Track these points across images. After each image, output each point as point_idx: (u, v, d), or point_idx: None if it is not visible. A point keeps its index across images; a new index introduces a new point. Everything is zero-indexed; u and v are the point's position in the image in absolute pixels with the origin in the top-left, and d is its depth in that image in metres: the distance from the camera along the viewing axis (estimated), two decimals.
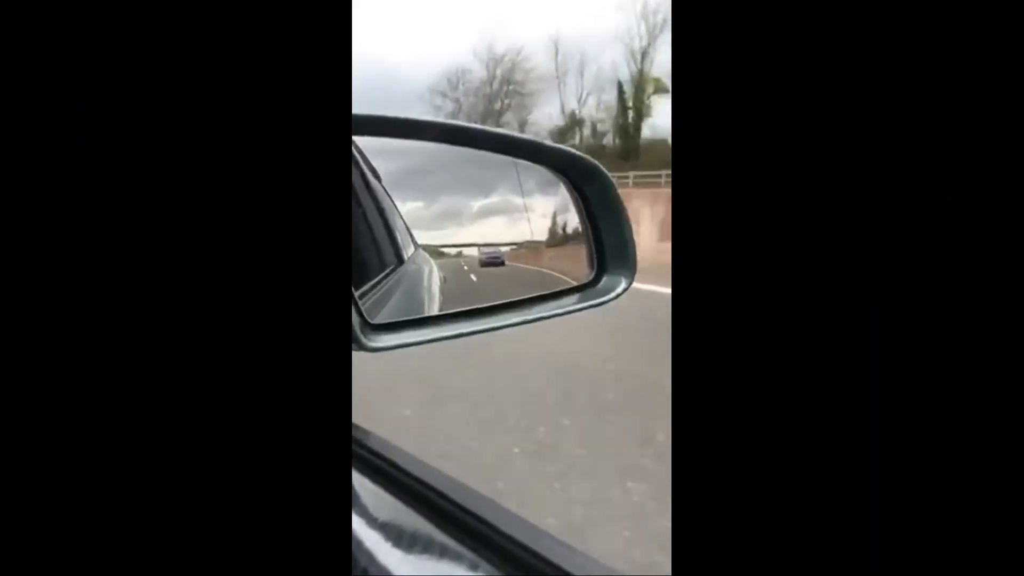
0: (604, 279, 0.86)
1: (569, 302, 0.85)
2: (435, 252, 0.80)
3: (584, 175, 0.82)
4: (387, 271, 0.77)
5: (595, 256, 0.85)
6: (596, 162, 0.83)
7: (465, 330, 0.70)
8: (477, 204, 0.82)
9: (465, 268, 0.81)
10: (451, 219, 0.80)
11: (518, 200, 0.84)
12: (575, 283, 0.87)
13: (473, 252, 0.82)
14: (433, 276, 0.79)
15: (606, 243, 0.84)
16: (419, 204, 0.79)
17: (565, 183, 0.84)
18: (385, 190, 0.77)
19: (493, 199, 0.84)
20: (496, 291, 0.81)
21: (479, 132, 0.79)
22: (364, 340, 0.52)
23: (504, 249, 0.84)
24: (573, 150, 0.83)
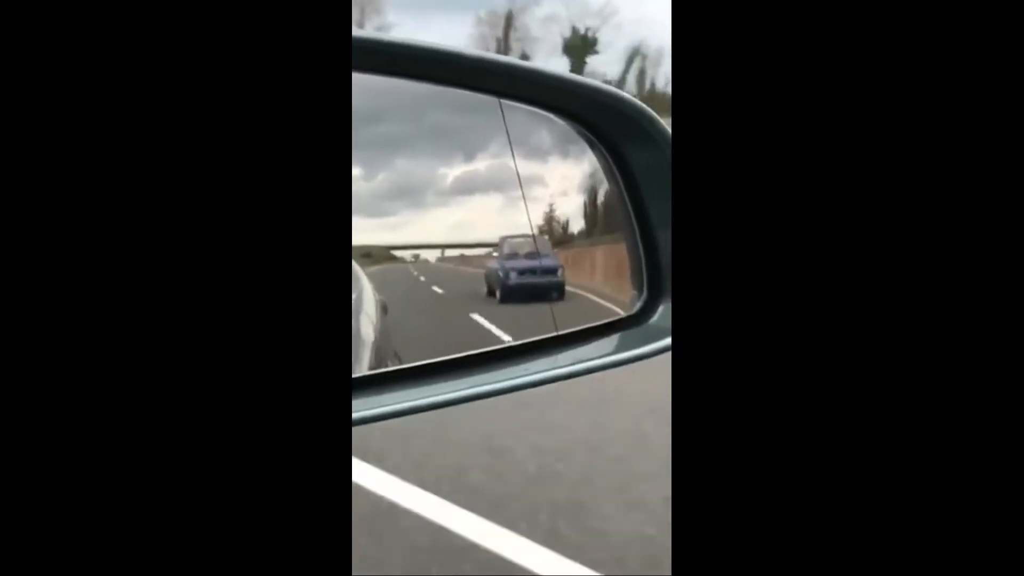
0: (661, 310, 0.51)
1: (602, 349, 0.53)
2: (382, 256, 0.50)
3: (628, 132, 0.50)
4: None
5: (646, 273, 0.51)
6: (650, 112, 0.50)
7: (424, 400, 0.46)
8: (452, 173, 0.51)
9: (422, 280, 0.50)
10: (408, 198, 0.49)
11: (520, 165, 0.51)
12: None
13: (430, 256, 0.48)
14: (364, 302, 0.49)
15: (662, 251, 0.49)
16: (356, 172, 0.47)
17: (594, 146, 0.51)
18: None
19: (479, 164, 0.52)
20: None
21: (444, 56, 0.45)
22: None
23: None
24: (611, 87, 0.49)
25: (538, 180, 0.51)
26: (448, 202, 0.47)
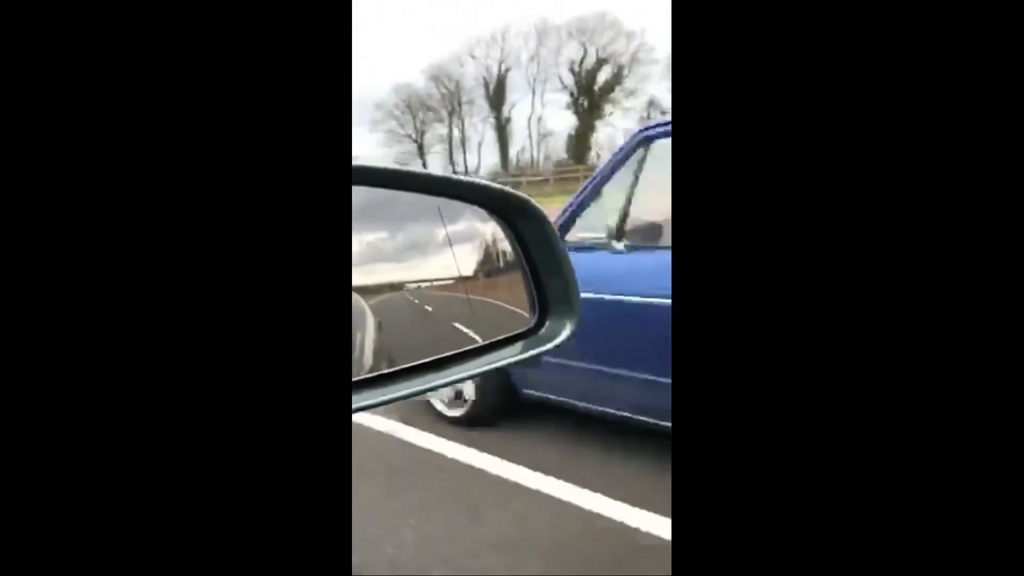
0: (547, 324, 0.79)
1: (512, 352, 0.78)
2: (396, 287, 0.72)
3: (514, 212, 0.77)
4: None
5: (537, 301, 0.77)
6: (525, 196, 0.77)
7: (405, 391, 0.64)
8: (443, 232, 0.75)
9: (417, 303, 0.72)
10: (417, 250, 0.73)
11: (481, 226, 0.77)
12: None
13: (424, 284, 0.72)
14: (366, 325, 0.69)
15: (547, 285, 0.76)
16: (383, 235, 0.71)
17: (499, 221, 0.76)
18: None
19: (460, 225, 0.76)
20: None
21: (388, 173, 0.71)
22: None
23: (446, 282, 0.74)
24: (499, 185, 0.75)
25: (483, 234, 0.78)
26: (440, 252, 0.72)
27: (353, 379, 0.61)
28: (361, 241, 0.64)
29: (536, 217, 0.75)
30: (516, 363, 0.77)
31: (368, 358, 0.70)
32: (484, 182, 0.73)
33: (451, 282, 0.74)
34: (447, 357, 0.72)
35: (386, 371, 0.69)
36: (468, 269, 0.75)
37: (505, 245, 0.77)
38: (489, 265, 0.78)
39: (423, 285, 0.71)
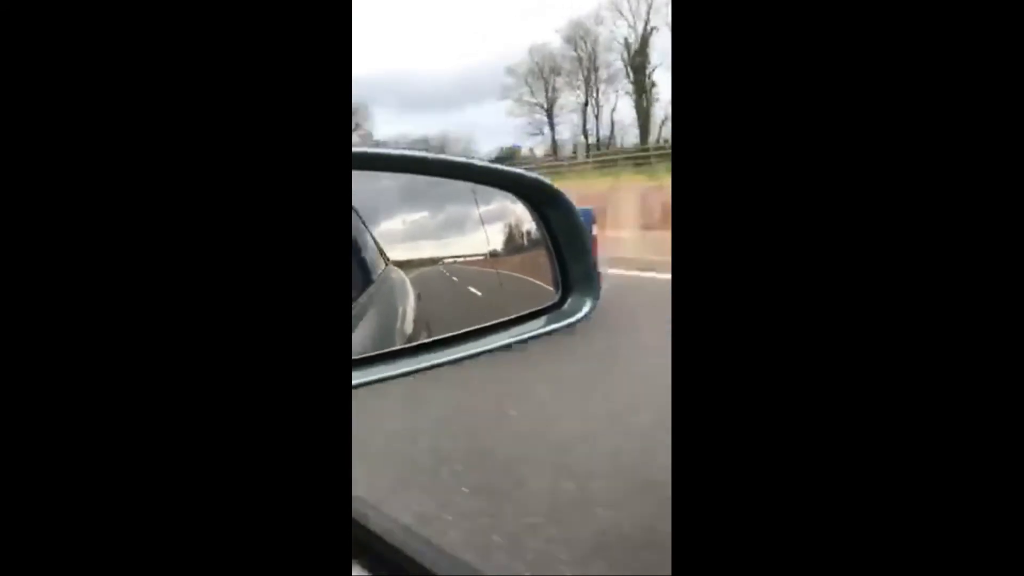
0: (570, 300, 0.86)
1: (537, 325, 0.85)
2: (435, 262, 0.79)
3: (545, 200, 0.83)
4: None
5: (560, 278, 0.85)
6: (556, 187, 0.83)
7: (439, 360, 0.70)
8: (478, 211, 0.82)
9: (454, 279, 0.79)
10: (455, 228, 0.80)
11: (513, 206, 0.84)
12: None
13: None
14: (408, 297, 0.77)
15: (570, 266, 0.84)
16: (425, 214, 0.78)
17: (527, 206, 0.84)
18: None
19: (493, 205, 0.83)
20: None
21: (434, 161, 0.78)
22: None
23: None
24: (532, 174, 0.82)
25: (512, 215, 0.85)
26: (476, 229, 0.80)
27: (379, 351, 0.68)
28: (406, 220, 0.72)
29: (565, 207, 0.82)
30: (540, 335, 0.84)
31: (408, 326, 0.79)
32: (518, 170, 0.81)
33: (482, 257, 0.81)
34: (474, 331, 0.79)
35: (407, 345, 0.76)
36: (497, 246, 0.82)
37: (530, 225, 0.84)
38: (515, 243, 0.86)
39: (457, 260, 0.79)
